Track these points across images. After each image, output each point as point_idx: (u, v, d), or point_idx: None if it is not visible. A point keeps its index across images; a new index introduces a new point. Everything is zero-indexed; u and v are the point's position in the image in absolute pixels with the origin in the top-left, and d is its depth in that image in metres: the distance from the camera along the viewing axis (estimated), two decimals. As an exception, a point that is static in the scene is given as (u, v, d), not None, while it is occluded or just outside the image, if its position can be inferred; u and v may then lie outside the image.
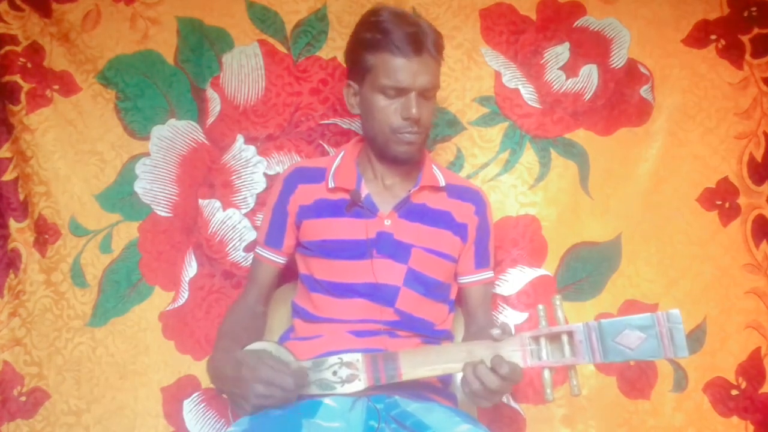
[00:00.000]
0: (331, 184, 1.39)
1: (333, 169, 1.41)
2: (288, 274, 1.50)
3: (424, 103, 1.31)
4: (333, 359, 1.16)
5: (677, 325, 0.96)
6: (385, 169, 1.41)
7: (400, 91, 1.29)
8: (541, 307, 1.06)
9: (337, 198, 1.38)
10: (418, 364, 1.12)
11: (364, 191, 1.38)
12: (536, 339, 1.06)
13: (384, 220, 1.36)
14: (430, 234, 1.37)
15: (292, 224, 1.42)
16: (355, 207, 1.36)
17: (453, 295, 1.45)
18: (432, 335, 1.35)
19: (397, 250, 1.34)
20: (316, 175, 1.42)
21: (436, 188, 1.43)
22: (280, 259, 1.45)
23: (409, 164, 1.40)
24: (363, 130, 1.43)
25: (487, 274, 1.47)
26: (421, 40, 1.28)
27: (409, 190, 1.39)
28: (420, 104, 1.29)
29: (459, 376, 1.23)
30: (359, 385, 1.14)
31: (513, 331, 1.09)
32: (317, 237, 1.37)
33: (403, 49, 1.27)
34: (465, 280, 1.45)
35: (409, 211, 1.38)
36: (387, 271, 1.32)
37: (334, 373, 1.15)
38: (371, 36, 1.30)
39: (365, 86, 1.34)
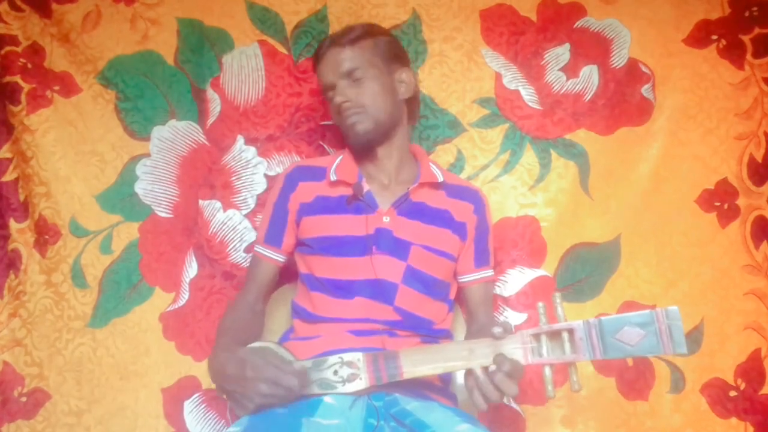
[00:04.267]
0: (333, 177, 1.41)
1: (335, 165, 1.43)
2: (288, 275, 1.50)
3: (355, 84, 1.41)
4: (334, 359, 1.15)
5: (676, 322, 0.96)
6: (382, 168, 1.44)
7: (330, 88, 1.43)
8: (541, 304, 1.06)
9: (338, 195, 1.40)
10: (419, 362, 1.12)
11: (365, 187, 1.39)
12: (537, 336, 1.06)
13: (383, 216, 1.36)
14: (429, 232, 1.38)
15: (293, 222, 1.43)
16: (356, 201, 1.37)
17: (452, 295, 1.45)
18: (431, 334, 1.35)
19: (397, 248, 1.35)
20: (317, 174, 1.44)
21: (435, 186, 1.44)
22: (279, 258, 1.45)
23: (371, 144, 1.42)
24: None
25: (487, 273, 1.48)
26: (332, 39, 1.44)
27: (408, 188, 1.40)
28: (347, 88, 1.40)
29: (460, 375, 1.23)
30: (360, 384, 1.13)
31: (513, 330, 1.09)
32: (317, 233, 1.38)
33: (318, 56, 1.46)
34: (465, 278, 1.46)
35: (408, 208, 1.39)
36: (386, 268, 1.33)
37: (335, 372, 1.14)
38: None
39: None
